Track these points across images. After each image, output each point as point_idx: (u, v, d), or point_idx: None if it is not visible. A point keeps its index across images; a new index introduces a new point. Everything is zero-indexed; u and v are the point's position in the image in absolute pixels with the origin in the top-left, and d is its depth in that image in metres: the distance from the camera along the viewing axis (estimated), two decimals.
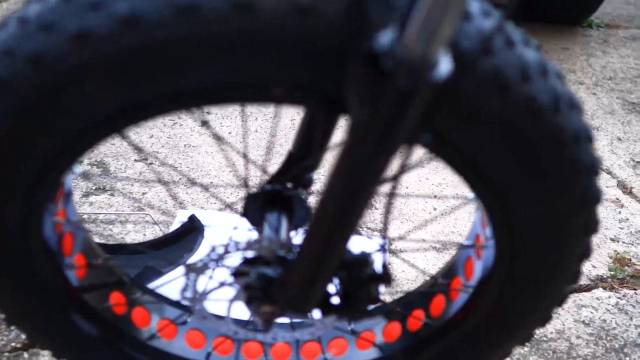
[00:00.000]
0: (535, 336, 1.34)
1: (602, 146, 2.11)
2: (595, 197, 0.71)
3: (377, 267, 0.72)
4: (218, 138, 0.73)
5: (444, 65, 0.50)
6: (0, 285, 0.80)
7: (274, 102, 0.61)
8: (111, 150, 1.88)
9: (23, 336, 1.20)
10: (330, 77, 0.57)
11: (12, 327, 1.19)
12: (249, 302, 0.78)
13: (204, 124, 0.71)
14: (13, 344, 1.19)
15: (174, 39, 0.55)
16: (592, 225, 0.74)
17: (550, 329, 1.36)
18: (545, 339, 1.34)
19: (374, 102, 0.51)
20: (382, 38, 0.50)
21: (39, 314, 0.85)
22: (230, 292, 0.80)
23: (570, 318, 1.40)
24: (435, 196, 1.74)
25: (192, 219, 1.23)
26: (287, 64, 0.56)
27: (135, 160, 1.83)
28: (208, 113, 2.11)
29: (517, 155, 0.63)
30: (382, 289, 0.73)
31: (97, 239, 1.46)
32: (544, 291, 0.81)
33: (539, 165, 0.64)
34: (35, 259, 0.76)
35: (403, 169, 0.60)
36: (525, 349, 1.30)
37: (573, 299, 1.46)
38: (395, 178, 0.62)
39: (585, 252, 0.77)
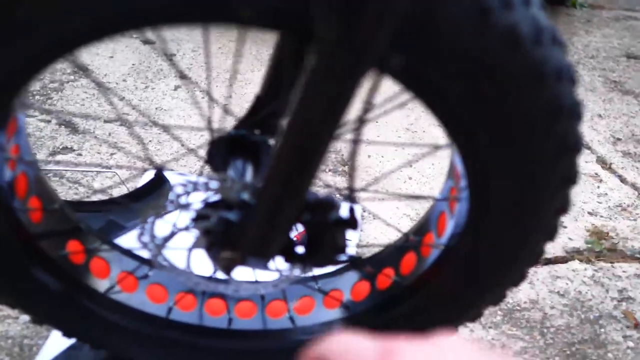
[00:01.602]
0: (508, 305, 1.31)
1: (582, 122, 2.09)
2: (575, 144, 0.68)
3: (343, 212, 0.68)
4: (183, 76, 0.68)
5: None
6: None
7: (240, 24, 0.56)
8: (80, 111, 1.82)
9: None
10: None
11: None
12: (209, 249, 0.74)
13: (170, 58, 0.66)
14: None
15: None
16: (571, 176, 0.71)
17: (524, 298, 1.34)
18: (518, 308, 1.31)
19: (343, 15, 0.47)
20: None
21: None
22: (190, 239, 0.76)
23: (544, 289, 1.38)
24: (400, 145, 1.72)
25: (159, 175, 1.19)
26: None
27: (105, 121, 1.78)
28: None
29: (493, 90, 0.60)
30: (348, 235, 0.69)
31: (64, 196, 1.41)
32: (518, 247, 0.78)
33: (516, 102, 0.61)
34: None
35: (371, 99, 0.56)
36: (498, 317, 1.28)
37: (548, 270, 1.44)
38: (363, 114, 0.58)
39: (563, 206, 0.74)
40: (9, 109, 0.64)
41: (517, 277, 0.83)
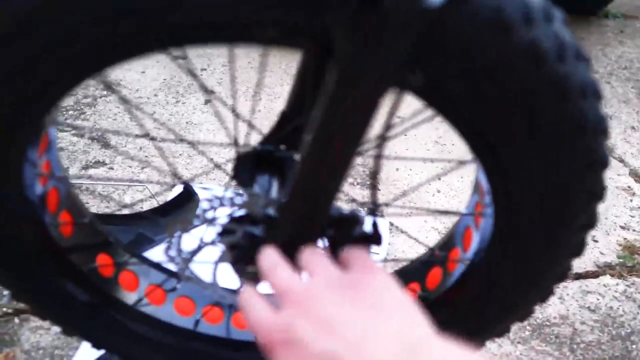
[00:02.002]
0: (537, 320, 1.30)
1: (615, 134, 2.06)
2: (601, 160, 0.67)
3: (367, 227, 0.68)
4: (209, 91, 0.69)
5: None
6: None
7: (263, 44, 0.57)
8: (113, 126, 1.86)
9: (15, 302, 1.18)
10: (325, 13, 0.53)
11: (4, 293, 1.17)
12: (234, 263, 0.75)
13: (192, 75, 0.67)
14: (4, 309, 1.17)
15: None
16: (597, 191, 0.70)
17: (553, 313, 1.32)
18: (548, 323, 1.30)
19: (361, 30, 0.47)
20: None
21: (23, 273, 0.82)
22: (217, 253, 0.77)
23: (574, 304, 1.36)
24: (430, 160, 1.71)
25: (187, 188, 1.20)
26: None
27: (136, 136, 1.81)
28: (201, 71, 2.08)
29: (516, 107, 0.59)
30: (373, 249, 0.69)
31: (95, 209, 1.44)
32: (544, 263, 0.77)
33: (540, 119, 0.61)
34: (17, 213, 0.73)
35: (392, 116, 0.56)
36: (527, 332, 1.26)
37: (579, 285, 1.42)
38: (385, 130, 0.58)
39: (590, 222, 0.74)
40: (42, 124, 0.65)
41: (544, 294, 0.82)
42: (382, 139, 0.60)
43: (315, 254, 0.46)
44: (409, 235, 0.87)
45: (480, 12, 0.53)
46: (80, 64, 0.58)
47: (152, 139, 0.76)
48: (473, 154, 0.67)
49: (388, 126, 0.59)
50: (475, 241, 0.81)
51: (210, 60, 2.34)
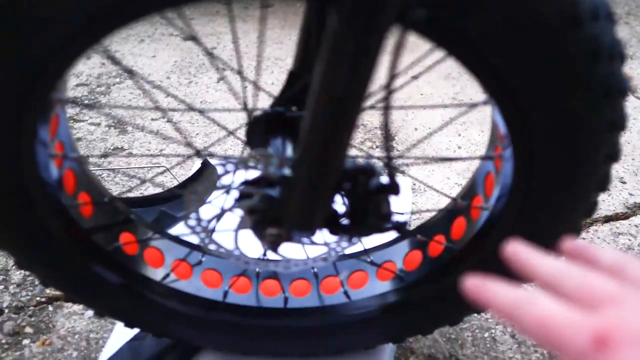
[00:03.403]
0: None
1: (637, 74, 2.01)
2: (619, 86, 0.65)
3: (384, 178, 0.67)
4: (210, 54, 0.68)
5: None
6: (4, 226, 0.77)
7: None
8: (128, 112, 1.86)
9: (47, 290, 1.20)
10: None
11: (36, 283, 1.18)
12: (255, 227, 0.74)
13: (192, 38, 0.66)
14: (38, 298, 1.19)
15: None
16: (618, 120, 0.68)
17: None
18: None
19: None
20: None
21: (49, 259, 0.82)
22: (236, 221, 0.77)
23: (607, 247, 1.34)
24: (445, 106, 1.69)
25: (205, 163, 1.20)
26: None
27: (152, 120, 1.81)
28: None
29: (528, 35, 0.57)
30: (396, 203, 0.68)
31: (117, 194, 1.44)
32: (570, 200, 0.75)
33: (553, 46, 0.58)
34: (35, 198, 0.73)
35: (398, 53, 0.54)
36: None
37: (609, 228, 1.39)
38: (392, 71, 0.57)
39: (613, 152, 0.71)
40: (50, 101, 0.65)
41: (572, 231, 0.80)
42: (389, 87, 0.58)
43: (625, 257, 0.39)
44: (431, 187, 0.86)
45: None
46: (80, 32, 0.57)
47: (164, 109, 0.75)
48: (488, 95, 0.66)
49: (393, 74, 0.57)
50: (497, 186, 0.79)
51: (219, 38, 2.32)
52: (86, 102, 1.89)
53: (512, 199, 0.75)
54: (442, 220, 0.92)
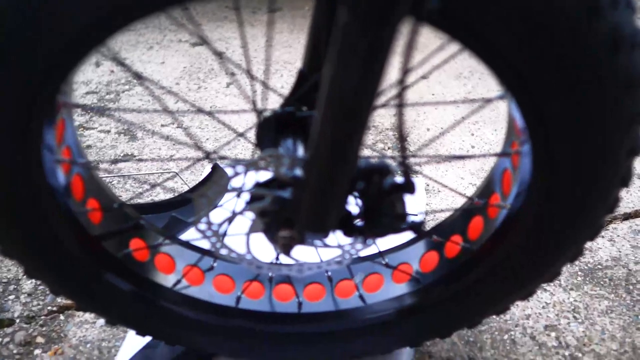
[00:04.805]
0: (589, 265, 1.25)
1: None
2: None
3: (398, 176, 0.65)
4: (219, 55, 0.66)
5: None
6: (12, 235, 0.76)
7: None
8: (137, 119, 1.85)
9: (59, 299, 1.18)
10: None
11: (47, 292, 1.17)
12: (267, 231, 0.73)
13: (202, 41, 0.65)
14: (49, 308, 1.17)
15: None
16: (636, 147, 0.66)
17: (604, 256, 1.28)
18: (600, 266, 1.25)
19: None
20: None
21: (59, 267, 0.81)
22: (248, 224, 0.75)
23: (626, 245, 1.31)
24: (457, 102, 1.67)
25: (215, 167, 1.18)
26: None
27: (162, 125, 1.80)
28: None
29: (545, 27, 0.55)
30: (407, 200, 0.66)
31: (128, 203, 1.43)
32: (591, 195, 0.73)
33: (571, 36, 0.56)
34: (44, 204, 0.72)
35: (411, 46, 0.52)
36: (579, 278, 1.22)
37: (629, 225, 1.36)
38: (405, 67, 0.55)
39: (635, 146, 0.69)
40: (55, 104, 0.63)
41: (593, 229, 0.78)
42: (402, 83, 0.56)
43: None
44: (446, 186, 0.84)
45: None
46: (83, 34, 0.56)
47: (172, 113, 0.74)
48: (504, 89, 0.63)
49: (406, 70, 0.55)
50: (515, 183, 0.77)
51: (228, 43, 2.32)
52: (99, 116, 1.89)
53: (531, 196, 0.73)
54: (459, 220, 0.90)
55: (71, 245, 0.78)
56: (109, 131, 1.78)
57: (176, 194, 1.29)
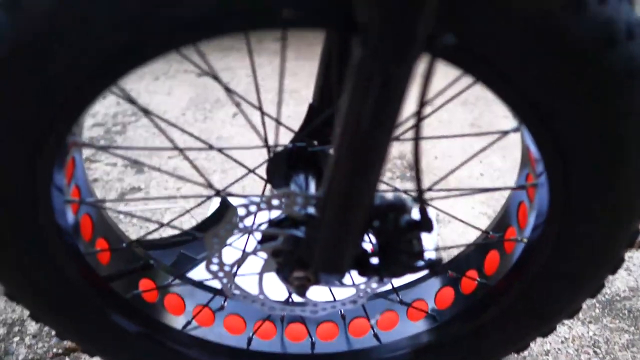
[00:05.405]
0: (606, 297, 1.22)
1: None
2: None
3: (414, 214, 0.63)
4: (228, 90, 0.65)
5: None
6: (18, 278, 0.74)
7: (282, 26, 0.53)
8: (144, 151, 1.84)
9: (65, 342, 1.16)
10: None
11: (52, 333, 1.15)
12: (280, 271, 0.71)
13: (213, 77, 0.64)
14: (55, 350, 1.15)
15: None
16: None
17: (622, 287, 1.25)
18: (618, 298, 1.22)
19: None
20: None
21: (65, 309, 0.79)
22: (260, 263, 0.73)
23: None
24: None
25: (224, 203, 1.17)
26: None
27: (169, 157, 1.79)
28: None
29: (562, 56, 0.54)
30: (424, 238, 0.64)
31: (135, 237, 1.41)
32: (610, 227, 0.71)
33: (587, 66, 0.55)
34: (52, 245, 0.70)
35: (427, 82, 0.51)
36: (597, 310, 1.19)
37: None
38: (422, 100, 0.53)
39: None
40: (65, 145, 0.62)
41: (614, 262, 0.76)
42: (419, 115, 0.54)
43: None
44: (459, 219, 0.82)
45: None
46: (95, 76, 0.55)
47: (182, 150, 0.73)
48: (519, 120, 0.62)
49: (423, 102, 0.53)
50: (531, 216, 0.75)
51: (233, 73, 2.32)
52: (102, 142, 1.88)
53: (549, 229, 0.71)
54: (474, 255, 0.87)
55: (78, 287, 0.76)
56: (115, 164, 1.77)
57: (183, 230, 1.27)
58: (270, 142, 0.76)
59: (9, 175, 0.62)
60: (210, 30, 0.52)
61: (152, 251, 1.05)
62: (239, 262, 0.73)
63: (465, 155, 1.72)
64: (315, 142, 0.80)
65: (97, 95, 0.57)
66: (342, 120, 0.52)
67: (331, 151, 0.56)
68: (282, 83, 0.64)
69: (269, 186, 0.81)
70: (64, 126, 0.59)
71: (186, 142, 1.85)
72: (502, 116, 1.95)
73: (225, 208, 1.15)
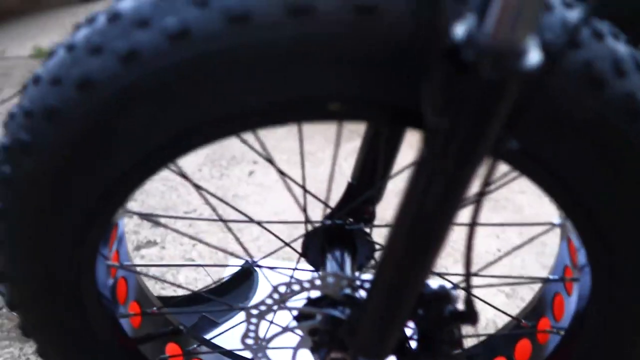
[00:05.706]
0: None
1: None
2: None
3: (459, 304, 0.64)
4: (282, 173, 0.67)
5: (533, 53, 0.43)
6: (53, 337, 0.74)
7: (332, 119, 0.55)
8: (160, 204, 1.85)
9: None
10: (395, 85, 0.51)
11: None
12: (315, 349, 0.71)
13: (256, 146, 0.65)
14: None
15: (226, 51, 0.50)
16: None
17: None
18: None
19: (456, 101, 0.44)
20: (459, 29, 0.44)
21: None
22: (295, 338, 0.73)
23: None
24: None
25: (247, 268, 1.17)
26: (345, 73, 0.51)
27: (185, 212, 1.79)
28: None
29: (615, 165, 0.55)
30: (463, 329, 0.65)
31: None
32: None
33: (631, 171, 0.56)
34: (89, 308, 0.70)
35: (487, 185, 0.52)
36: None
37: None
38: (479, 199, 0.54)
39: None
40: (113, 222, 0.63)
41: None
42: (477, 204, 0.55)
43: None
44: (492, 305, 0.82)
45: (572, 69, 0.50)
46: (157, 158, 0.56)
47: (225, 221, 0.74)
48: (566, 215, 0.63)
49: (482, 193, 0.54)
50: (569, 308, 0.75)
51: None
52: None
53: (588, 323, 0.71)
54: (504, 342, 0.87)
55: (109, 349, 0.76)
56: (131, 216, 1.77)
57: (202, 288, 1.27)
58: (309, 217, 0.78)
59: (57, 246, 0.62)
60: (261, 122, 0.55)
61: (173, 309, 1.05)
62: (275, 338, 0.73)
63: (484, 231, 1.72)
64: (351, 220, 0.81)
65: (152, 174, 0.58)
66: (402, 209, 0.53)
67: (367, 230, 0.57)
68: (334, 166, 0.66)
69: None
70: (119, 202, 0.60)
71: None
72: (517, 191, 1.97)
73: (247, 274, 1.16)
